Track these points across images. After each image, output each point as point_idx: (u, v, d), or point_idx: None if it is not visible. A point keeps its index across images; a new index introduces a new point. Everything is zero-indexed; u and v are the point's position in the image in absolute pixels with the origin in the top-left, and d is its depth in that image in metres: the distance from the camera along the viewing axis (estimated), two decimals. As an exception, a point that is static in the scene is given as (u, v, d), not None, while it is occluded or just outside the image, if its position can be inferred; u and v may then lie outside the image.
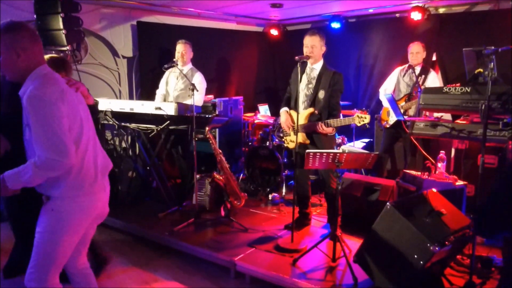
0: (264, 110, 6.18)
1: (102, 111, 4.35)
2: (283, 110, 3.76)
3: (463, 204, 3.31)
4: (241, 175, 5.15)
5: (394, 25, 5.71)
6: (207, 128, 3.86)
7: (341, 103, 3.72)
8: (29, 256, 1.99)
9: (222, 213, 4.01)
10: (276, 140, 4.75)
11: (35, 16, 4.15)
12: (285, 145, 3.85)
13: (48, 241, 1.95)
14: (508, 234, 1.49)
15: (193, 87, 3.74)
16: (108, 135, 5.25)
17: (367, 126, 3.34)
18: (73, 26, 4.24)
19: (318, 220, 4.07)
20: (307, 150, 3.01)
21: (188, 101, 4.26)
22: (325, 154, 2.96)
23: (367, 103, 5.99)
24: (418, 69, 4.49)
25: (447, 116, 4.22)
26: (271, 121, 5.33)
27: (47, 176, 1.84)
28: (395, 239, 2.60)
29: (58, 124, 1.81)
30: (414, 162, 4.48)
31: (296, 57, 3.27)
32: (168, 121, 4.06)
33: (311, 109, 3.54)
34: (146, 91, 5.57)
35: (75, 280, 2.26)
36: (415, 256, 2.46)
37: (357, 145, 5.47)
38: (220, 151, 4.03)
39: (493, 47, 2.70)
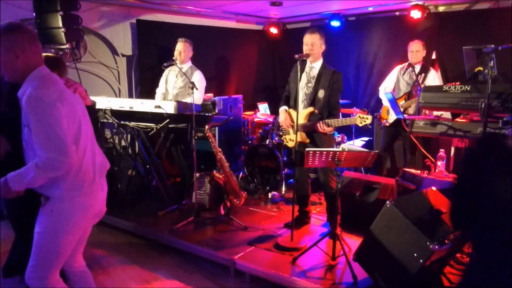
0: (263, 109, 6.18)
1: (101, 110, 4.34)
2: (282, 109, 3.76)
3: (463, 202, 3.30)
4: (241, 173, 5.15)
5: (394, 24, 5.70)
6: (206, 127, 3.86)
7: (341, 101, 3.72)
8: (29, 255, 2.00)
9: (222, 211, 4.01)
10: (276, 138, 4.75)
11: (34, 14, 4.14)
12: (285, 143, 3.85)
13: (48, 241, 1.96)
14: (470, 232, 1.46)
15: (193, 86, 3.74)
16: (108, 133, 5.25)
17: (369, 126, 3.34)
18: (72, 24, 4.24)
19: (318, 219, 4.07)
20: (307, 149, 3.01)
21: (188, 100, 4.26)
22: (325, 152, 2.96)
23: (366, 102, 5.99)
24: (418, 68, 4.49)
25: (447, 115, 4.22)
26: (270, 119, 5.33)
27: (49, 176, 1.84)
28: (394, 238, 2.60)
29: (58, 124, 1.81)
30: (414, 161, 4.47)
31: (296, 56, 3.27)
32: (168, 120, 4.06)
33: (311, 108, 3.54)
34: (146, 89, 5.57)
35: (72, 279, 2.27)
36: (415, 254, 2.46)
37: (357, 144, 5.47)
38: (220, 149, 4.03)
39: (493, 46, 2.71)
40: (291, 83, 3.75)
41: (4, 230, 3.68)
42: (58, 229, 1.95)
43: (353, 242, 3.35)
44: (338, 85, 3.52)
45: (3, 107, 2.61)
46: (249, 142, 5.48)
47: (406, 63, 4.58)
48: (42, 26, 4.11)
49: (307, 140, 3.58)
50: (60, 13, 4.04)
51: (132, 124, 4.32)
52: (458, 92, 3.22)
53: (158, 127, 4.16)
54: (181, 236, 3.64)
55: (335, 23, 5.99)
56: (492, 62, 2.67)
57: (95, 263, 3.41)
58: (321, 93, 3.50)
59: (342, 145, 4.99)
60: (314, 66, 3.59)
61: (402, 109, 4.30)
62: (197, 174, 4.08)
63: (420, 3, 5.07)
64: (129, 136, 5.06)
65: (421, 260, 2.43)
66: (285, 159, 4.94)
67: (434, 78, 4.50)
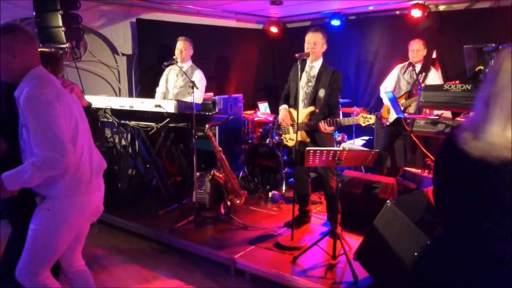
0: (263, 108, 6.17)
1: (101, 109, 4.34)
2: (283, 107, 3.76)
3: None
4: (241, 172, 5.15)
5: (394, 23, 5.70)
6: (207, 126, 3.86)
7: (341, 100, 3.72)
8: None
9: (222, 210, 4.01)
10: (276, 137, 4.75)
11: (34, 13, 4.14)
12: (284, 142, 3.85)
13: (42, 239, 1.97)
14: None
15: (193, 85, 3.74)
16: (108, 132, 5.25)
17: (372, 126, 3.34)
18: (72, 23, 4.23)
19: (318, 218, 4.07)
20: (308, 148, 3.01)
21: (188, 99, 4.25)
22: (325, 151, 2.96)
23: (367, 101, 5.98)
24: (418, 67, 4.48)
25: (448, 114, 4.21)
26: (270, 118, 5.33)
27: (46, 175, 1.84)
28: (395, 237, 2.60)
29: (56, 123, 1.82)
30: (414, 160, 4.47)
31: (296, 55, 3.27)
32: (168, 119, 4.06)
33: (311, 108, 3.54)
34: (146, 88, 5.56)
35: (72, 279, 2.27)
36: (415, 253, 2.46)
37: (357, 143, 5.46)
38: (220, 148, 4.03)
39: (493, 45, 2.71)
40: (290, 82, 3.74)
41: (4, 230, 3.67)
42: (54, 228, 1.96)
43: (353, 241, 3.35)
44: (338, 84, 3.53)
45: (2, 107, 2.60)
46: (249, 141, 5.48)
47: (407, 62, 4.58)
48: (42, 25, 4.11)
49: (308, 139, 3.58)
50: (60, 12, 4.04)
51: (133, 123, 4.32)
52: (458, 91, 3.21)
53: (159, 126, 4.15)
54: (181, 235, 3.64)
55: (336, 22, 5.98)
56: (492, 61, 2.67)
57: (95, 262, 3.41)
58: (321, 93, 3.50)
59: (343, 144, 4.99)
60: (314, 65, 3.58)
61: (402, 108, 4.29)
62: (198, 173, 4.08)
63: (420, 2, 5.06)
64: (129, 135, 5.06)
65: (421, 259, 2.43)
66: (285, 158, 4.94)
67: (434, 77, 4.50)
